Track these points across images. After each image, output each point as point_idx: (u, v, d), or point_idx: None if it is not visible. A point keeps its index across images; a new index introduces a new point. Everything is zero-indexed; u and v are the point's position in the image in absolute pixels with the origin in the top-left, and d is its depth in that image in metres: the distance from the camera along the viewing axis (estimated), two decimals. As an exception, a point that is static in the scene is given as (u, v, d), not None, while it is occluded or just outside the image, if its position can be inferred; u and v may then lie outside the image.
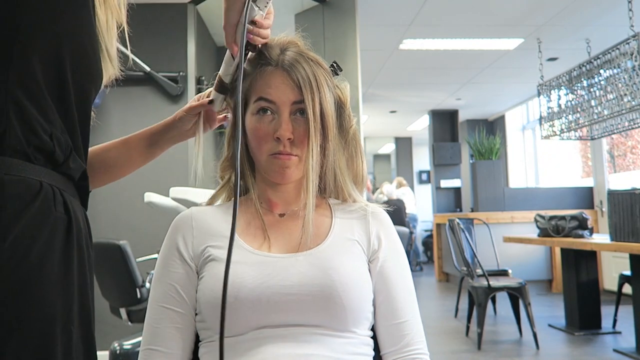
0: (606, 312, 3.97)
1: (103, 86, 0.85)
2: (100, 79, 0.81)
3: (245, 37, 0.78)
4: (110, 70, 0.86)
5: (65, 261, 0.70)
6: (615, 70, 3.73)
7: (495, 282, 3.47)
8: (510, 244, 4.93)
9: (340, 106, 0.90)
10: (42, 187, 0.69)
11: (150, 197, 2.28)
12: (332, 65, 0.90)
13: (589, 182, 6.20)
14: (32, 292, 0.65)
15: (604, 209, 5.69)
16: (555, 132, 4.55)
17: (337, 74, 0.90)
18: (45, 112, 0.70)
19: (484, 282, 3.46)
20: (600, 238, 3.62)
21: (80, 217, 0.75)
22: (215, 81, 0.91)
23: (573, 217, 3.75)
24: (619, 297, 3.84)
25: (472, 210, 6.21)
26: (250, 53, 0.85)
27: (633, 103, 3.53)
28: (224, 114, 0.98)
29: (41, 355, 0.65)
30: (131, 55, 3.03)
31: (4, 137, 0.66)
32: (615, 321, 3.84)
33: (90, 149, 0.91)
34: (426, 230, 9.25)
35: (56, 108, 0.72)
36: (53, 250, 0.68)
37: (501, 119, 7.89)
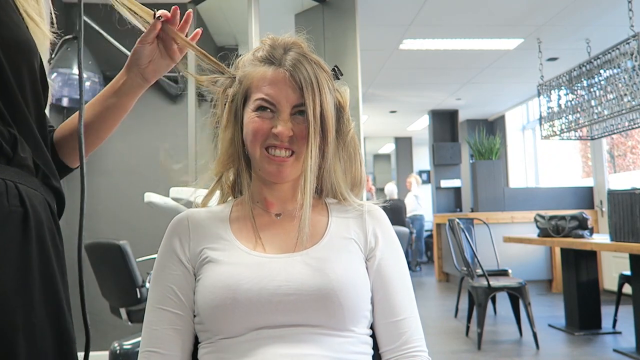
0: (606, 312, 3.97)
1: (47, 52, 0.80)
2: (34, 48, 0.77)
3: None
4: (40, 34, 0.80)
5: (23, 253, 0.69)
6: (615, 70, 3.73)
7: (495, 282, 3.47)
8: (510, 244, 4.93)
9: (339, 110, 0.90)
10: None
11: (150, 197, 2.28)
12: (333, 69, 0.90)
13: (589, 182, 6.20)
14: None
15: (604, 209, 5.69)
16: (555, 132, 4.55)
17: (338, 78, 0.91)
18: None
19: (484, 282, 3.46)
20: (600, 238, 3.62)
21: (41, 209, 0.74)
22: None
23: (573, 217, 3.75)
24: (619, 297, 3.84)
25: (472, 210, 6.21)
26: None
27: (633, 103, 3.53)
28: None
29: (1, 349, 0.64)
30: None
31: None
32: (615, 321, 3.84)
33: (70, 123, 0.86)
34: (426, 230, 9.25)
35: None
36: (6, 243, 0.67)
37: (501, 119, 7.89)
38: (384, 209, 0.93)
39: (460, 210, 7.62)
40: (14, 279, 0.67)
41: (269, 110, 0.82)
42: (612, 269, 5.30)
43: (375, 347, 0.85)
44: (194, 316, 0.83)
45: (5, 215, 0.68)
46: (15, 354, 0.66)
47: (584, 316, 3.80)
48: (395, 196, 7.93)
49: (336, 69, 0.91)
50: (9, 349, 0.65)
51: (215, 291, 0.77)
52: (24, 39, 0.75)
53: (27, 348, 0.67)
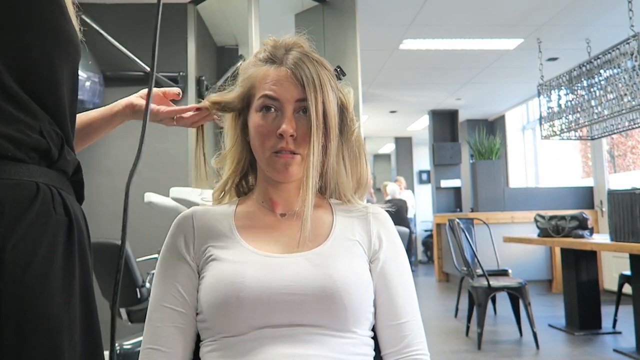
0: (606, 312, 3.97)
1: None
2: (79, 50, 0.75)
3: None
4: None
5: (68, 267, 0.66)
6: (615, 70, 3.73)
7: (495, 282, 3.47)
8: (510, 244, 4.93)
9: (342, 110, 0.90)
10: (40, 189, 0.64)
11: (150, 197, 2.28)
12: (335, 69, 0.90)
13: (589, 182, 6.20)
14: (37, 304, 0.61)
15: (604, 209, 5.69)
16: (555, 132, 4.55)
17: (340, 79, 0.91)
18: (26, 108, 0.64)
19: (484, 282, 3.46)
20: (600, 238, 3.62)
21: (80, 216, 0.71)
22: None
23: (573, 217, 3.75)
24: (619, 297, 3.84)
25: (472, 210, 6.21)
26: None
27: (633, 103, 3.53)
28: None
29: None
30: (131, 56, 3.03)
31: None
32: (615, 321, 3.84)
33: None
34: (426, 230, 9.24)
35: (41, 100, 0.66)
36: (55, 256, 0.64)
37: (501, 119, 7.89)
38: (388, 211, 0.93)
39: (460, 210, 7.62)
40: (61, 296, 0.64)
41: (272, 109, 0.82)
42: (612, 269, 5.30)
43: (377, 349, 0.85)
44: (197, 314, 0.83)
45: (54, 226, 0.65)
46: None
47: (584, 316, 3.80)
48: (397, 195, 7.92)
49: (339, 69, 0.91)
50: None
51: (219, 289, 0.77)
52: (77, 42, 0.74)
53: None
